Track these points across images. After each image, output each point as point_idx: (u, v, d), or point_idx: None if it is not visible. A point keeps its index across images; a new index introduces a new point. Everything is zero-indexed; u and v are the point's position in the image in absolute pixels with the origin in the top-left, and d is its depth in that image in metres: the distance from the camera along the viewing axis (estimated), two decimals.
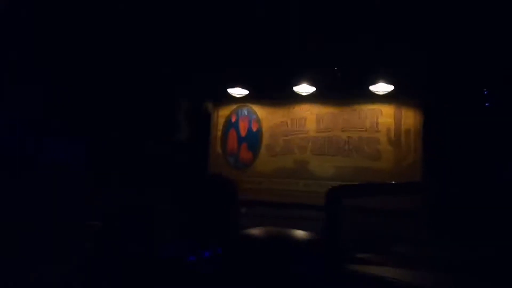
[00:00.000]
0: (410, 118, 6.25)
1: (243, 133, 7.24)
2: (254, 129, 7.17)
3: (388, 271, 1.65)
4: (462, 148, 5.75)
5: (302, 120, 6.85)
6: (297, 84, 6.18)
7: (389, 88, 5.85)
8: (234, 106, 7.37)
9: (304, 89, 6.29)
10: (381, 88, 5.87)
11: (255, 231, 1.57)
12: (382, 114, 6.39)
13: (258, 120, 7.16)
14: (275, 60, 6.10)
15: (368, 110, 6.48)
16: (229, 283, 1.24)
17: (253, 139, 7.12)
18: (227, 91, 6.76)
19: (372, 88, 5.88)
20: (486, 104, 6.03)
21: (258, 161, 7.02)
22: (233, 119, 7.36)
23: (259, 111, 7.18)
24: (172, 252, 1.52)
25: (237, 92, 6.73)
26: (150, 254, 1.50)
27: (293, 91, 6.42)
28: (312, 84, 6.19)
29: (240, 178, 7.04)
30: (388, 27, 5.20)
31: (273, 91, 6.68)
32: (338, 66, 5.82)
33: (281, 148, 6.91)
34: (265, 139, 7.05)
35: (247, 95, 6.91)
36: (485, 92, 6.12)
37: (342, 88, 6.19)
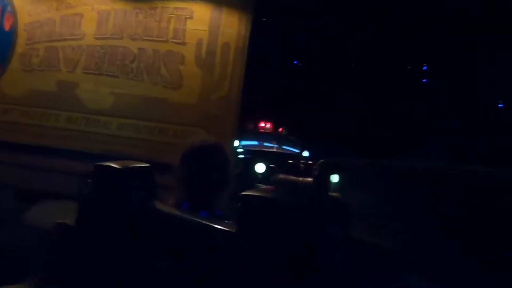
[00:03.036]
0: (232, 26, 3.99)
1: None
2: (7, 27, 4.50)
3: None
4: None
5: (77, 19, 4.31)
6: None
7: None
8: None
9: None
10: None
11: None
12: (193, 17, 4.07)
13: (14, 13, 4.50)
14: None
15: (174, 9, 4.12)
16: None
17: (3, 43, 4.48)
18: None
19: None
20: None
21: (5, 79, 4.40)
22: None
23: None
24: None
25: None
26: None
27: None
28: None
29: None
30: None
31: None
32: None
33: (41, 61, 4.35)
34: (20, 45, 4.41)
35: None
36: None
37: None
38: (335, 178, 7.61)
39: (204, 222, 1.29)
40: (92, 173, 1.64)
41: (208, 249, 1.21)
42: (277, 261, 1.01)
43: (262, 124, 9.85)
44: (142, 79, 4.09)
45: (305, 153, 8.95)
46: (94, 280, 1.48)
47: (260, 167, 6.60)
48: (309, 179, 7.30)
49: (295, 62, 15.84)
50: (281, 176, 6.76)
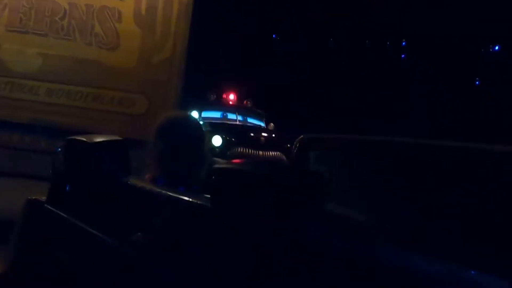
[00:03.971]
0: None
1: None
2: None
3: None
4: None
5: None
6: None
7: None
8: None
9: None
10: None
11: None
12: None
13: None
14: None
15: None
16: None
17: None
18: None
19: None
20: None
21: None
22: None
23: None
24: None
25: None
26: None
27: None
28: None
29: None
30: None
31: None
32: None
33: None
34: None
35: None
36: None
37: None
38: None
39: (180, 196, 1.28)
40: (62, 147, 1.60)
41: (185, 223, 1.22)
42: (251, 234, 1.02)
43: (226, 95, 9.42)
44: (74, 38, 3.63)
45: (271, 126, 8.61)
46: (69, 256, 1.47)
47: (216, 140, 6.21)
48: (272, 152, 6.94)
49: (274, 36, 15.39)
50: (239, 149, 6.39)
